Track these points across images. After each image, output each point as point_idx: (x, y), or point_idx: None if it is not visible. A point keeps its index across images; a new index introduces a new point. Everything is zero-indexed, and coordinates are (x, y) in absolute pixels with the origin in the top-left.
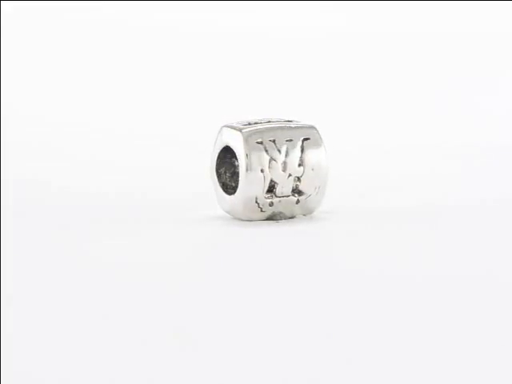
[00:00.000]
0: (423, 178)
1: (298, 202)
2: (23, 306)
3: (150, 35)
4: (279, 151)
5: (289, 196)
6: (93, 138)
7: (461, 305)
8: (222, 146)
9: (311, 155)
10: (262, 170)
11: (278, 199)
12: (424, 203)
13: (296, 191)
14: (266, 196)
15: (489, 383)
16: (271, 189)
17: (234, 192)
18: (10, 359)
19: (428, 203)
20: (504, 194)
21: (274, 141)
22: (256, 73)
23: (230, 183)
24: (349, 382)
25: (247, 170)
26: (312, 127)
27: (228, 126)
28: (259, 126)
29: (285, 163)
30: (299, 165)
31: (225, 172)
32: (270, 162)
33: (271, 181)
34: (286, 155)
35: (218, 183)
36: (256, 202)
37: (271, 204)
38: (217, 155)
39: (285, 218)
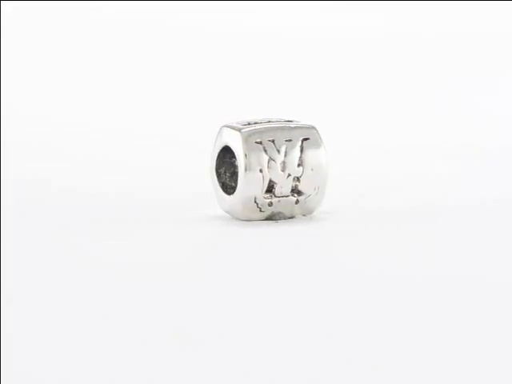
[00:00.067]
0: (423, 178)
1: (297, 202)
2: (23, 306)
3: (150, 35)
4: (278, 151)
5: (288, 196)
6: (93, 137)
7: (461, 305)
8: (222, 146)
9: (311, 155)
10: (260, 170)
11: (277, 199)
12: (424, 203)
13: (295, 191)
14: (265, 196)
15: (489, 383)
16: (270, 189)
17: (234, 192)
18: (10, 359)
19: (428, 203)
20: (504, 194)
21: (273, 141)
22: (256, 73)
23: (229, 183)
24: (349, 382)
25: (246, 169)
26: (312, 127)
27: (227, 126)
28: (258, 126)
29: (284, 163)
30: (298, 165)
31: (224, 172)
32: (268, 162)
33: (270, 181)
34: (285, 155)
35: (217, 183)
36: (255, 201)
37: (270, 204)
38: (216, 155)
39: (284, 218)
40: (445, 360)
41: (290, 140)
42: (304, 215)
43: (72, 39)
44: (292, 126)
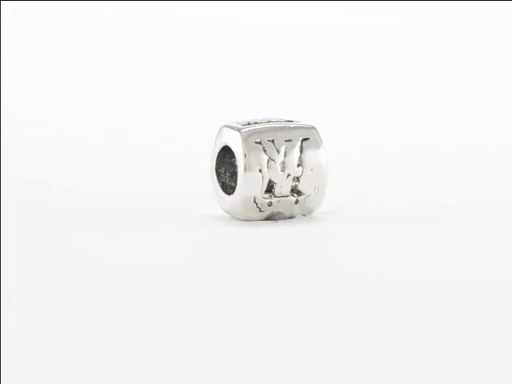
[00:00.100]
0: (423, 178)
1: (297, 202)
2: (23, 306)
3: (150, 35)
4: (278, 151)
5: (288, 196)
6: (93, 137)
7: (461, 305)
8: (222, 146)
9: (310, 155)
10: (260, 170)
11: (276, 199)
12: (424, 203)
13: (295, 191)
14: (265, 196)
15: (489, 383)
16: (270, 189)
17: (234, 192)
18: (10, 359)
19: (428, 203)
20: (504, 194)
21: (272, 141)
22: (256, 73)
23: (229, 183)
24: (349, 381)
25: (245, 169)
26: (312, 127)
27: (227, 126)
28: (258, 126)
29: (283, 163)
30: (298, 165)
31: (224, 172)
32: (268, 162)
33: (270, 181)
34: (285, 155)
35: (217, 183)
36: (254, 201)
37: (270, 204)
38: (216, 155)
39: (284, 218)
40: (445, 360)
41: (290, 140)
42: (304, 215)
43: (72, 39)
44: (292, 126)
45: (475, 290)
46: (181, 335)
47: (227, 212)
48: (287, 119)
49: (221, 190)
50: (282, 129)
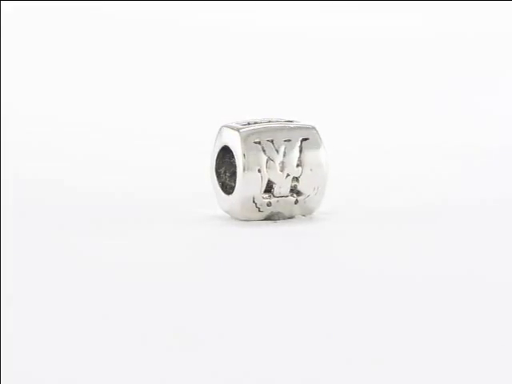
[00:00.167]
0: (423, 178)
1: (296, 202)
2: (23, 306)
3: (150, 35)
4: (277, 151)
5: (287, 196)
6: (93, 137)
7: (461, 305)
8: (221, 146)
9: (310, 155)
10: (259, 170)
11: (276, 199)
12: (424, 203)
13: (295, 191)
14: (264, 196)
15: (489, 383)
16: (269, 189)
17: (233, 192)
18: (10, 359)
19: (428, 203)
20: (504, 194)
21: (272, 141)
22: (256, 73)
23: (229, 183)
24: (349, 381)
25: (244, 169)
26: (311, 128)
27: (227, 126)
28: (257, 126)
29: (283, 163)
30: (297, 165)
31: (224, 172)
32: (267, 162)
33: (269, 181)
34: (284, 155)
35: (217, 183)
36: (253, 201)
37: (269, 204)
38: (216, 155)
39: (283, 218)
40: (445, 360)
41: (289, 140)
42: (304, 215)
43: (72, 39)
44: (291, 126)
45: (475, 289)
46: (181, 335)
47: (227, 212)
48: (287, 119)
49: (220, 190)
50: (281, 129)
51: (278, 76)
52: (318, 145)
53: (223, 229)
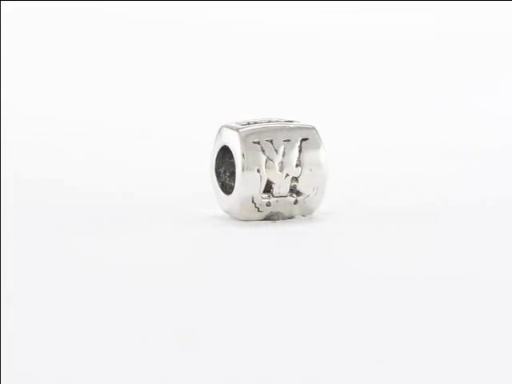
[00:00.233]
0: (423, 178)
1: (296, 202)
2: (23, 306)
3: (150, 35)
4: (276, 151)
5: (286, 196)
6: (93, 137)
7: (461, 305)
8: (221, 146)
9: (309, 155)
10: (258, 170)
11: (275, 199)
12: (424, 203)
13: (294, 191)
14: (263, 196)
15: (489, 383)
16: (268, 189)
17: (232, 192)
18: (10, 359)
19: (428, 203)
20: (504, 194)
21: (271, 141)
22: (256, 73)
23: (229, 183)
24: (349, 381)
25: (243, 169)
26: (311, 128)
27: (227, 126)
28: (257, 126)
29: (282, 163)
30: (297, 165)
31: (224, 172)
32: (266, 162)
33: (268, 181)
34: (284, 155)
35: (217, 183)
36: (253, 201)
37: (268, 204)
38: (216, 155)
39: (283, 218)
40: (444, 360)
41: (289, 140)
42: (303, 215)
43: (72, 39)
44: (291, 126)
45: (475, 289)
46: (181, 335)
47: (227, 212)
48: (287, 119)
49: (220, 190)
50: (280, 129)
51: (278, 76)
52: (317, 145)
53: (223, 229)
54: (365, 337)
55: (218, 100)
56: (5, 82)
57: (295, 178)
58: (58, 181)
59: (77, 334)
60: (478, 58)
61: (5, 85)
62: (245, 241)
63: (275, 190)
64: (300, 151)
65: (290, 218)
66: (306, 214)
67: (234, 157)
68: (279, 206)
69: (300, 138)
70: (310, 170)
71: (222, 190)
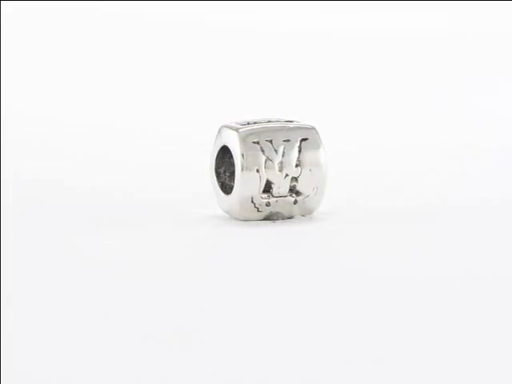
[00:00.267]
0: (423, 178)
1: (295, 202)
2: (23, 306)
3: (150, 35)
4: (276, 151)
5: (286, 196)
6: (93, 137)
7: (460, 304)
8: (221, 146)
9: (309, 156)
10: (257, 170)
11: (274, 199)
12: (424, 203)
13: (294, 191)
14: (263, 196)
15: (489, 383)
16: (268, 189)
17: (232, 192)
18: (10, 359)
19: (428, 203)
20: (504, 194)
21: (271, 141)
22: (256, 73)
23: (228, 183)
24: (349, 381)
25: (243, 169)
26: (311, 128)
27: (226, 126)
28: (256, 126)
29: (281, 163)
30: (296, 165)
31: (224, 172)
32: (266, 162)
33: (268, 181)
34: (283, 155)
35: (216, 183)
36: (252, 201)
37: (268, 204)
38: (216, 155)
39: (283, 218)
40: (444, 360)
41: (288, 140)
42: (303, 215)
43: (72, 39)
44: (291, 126)
45: (475, 289)
46: (181, 335)
47: (226, 212)
48: (287, 119)
49: (220, 190)
50: (280, 129)
51: (278, 76)
52: (317, 145)
53: (223, 229)
54: (365, 337)
55: (217, 100)
56: (5, 81)
57: (295, 178)
58: (58, 181)
59: (77, 334)
60: (478, 58)
61: (5, 85)
62: (244, 241)
63: (275, 190)
64: (300, 151)
65: (290, 218)
66: (306, 214)
67: (234, 157)
68: (279, 206)
69: (300, 138)
70: (310, 170)
71: (222, 189)
